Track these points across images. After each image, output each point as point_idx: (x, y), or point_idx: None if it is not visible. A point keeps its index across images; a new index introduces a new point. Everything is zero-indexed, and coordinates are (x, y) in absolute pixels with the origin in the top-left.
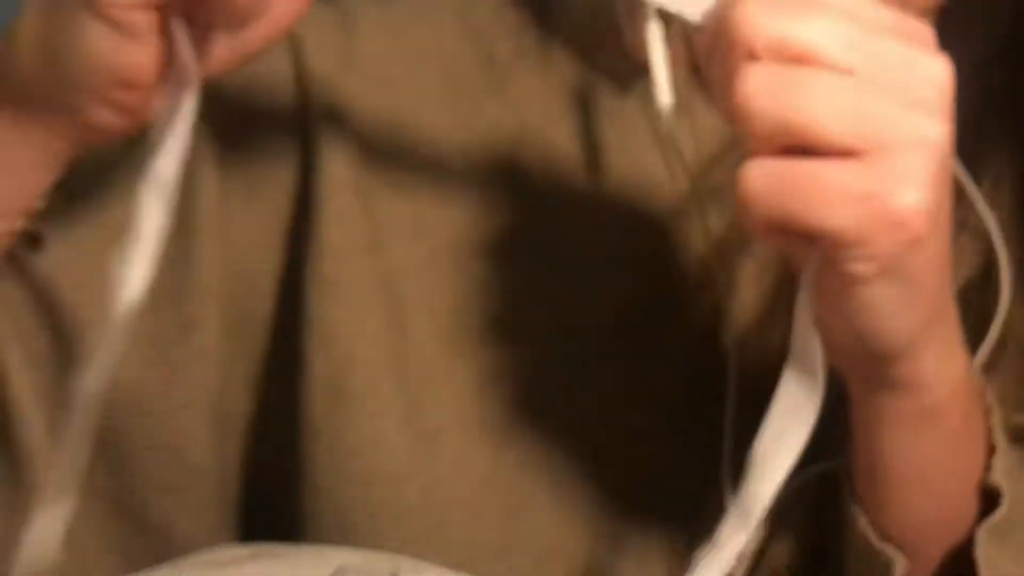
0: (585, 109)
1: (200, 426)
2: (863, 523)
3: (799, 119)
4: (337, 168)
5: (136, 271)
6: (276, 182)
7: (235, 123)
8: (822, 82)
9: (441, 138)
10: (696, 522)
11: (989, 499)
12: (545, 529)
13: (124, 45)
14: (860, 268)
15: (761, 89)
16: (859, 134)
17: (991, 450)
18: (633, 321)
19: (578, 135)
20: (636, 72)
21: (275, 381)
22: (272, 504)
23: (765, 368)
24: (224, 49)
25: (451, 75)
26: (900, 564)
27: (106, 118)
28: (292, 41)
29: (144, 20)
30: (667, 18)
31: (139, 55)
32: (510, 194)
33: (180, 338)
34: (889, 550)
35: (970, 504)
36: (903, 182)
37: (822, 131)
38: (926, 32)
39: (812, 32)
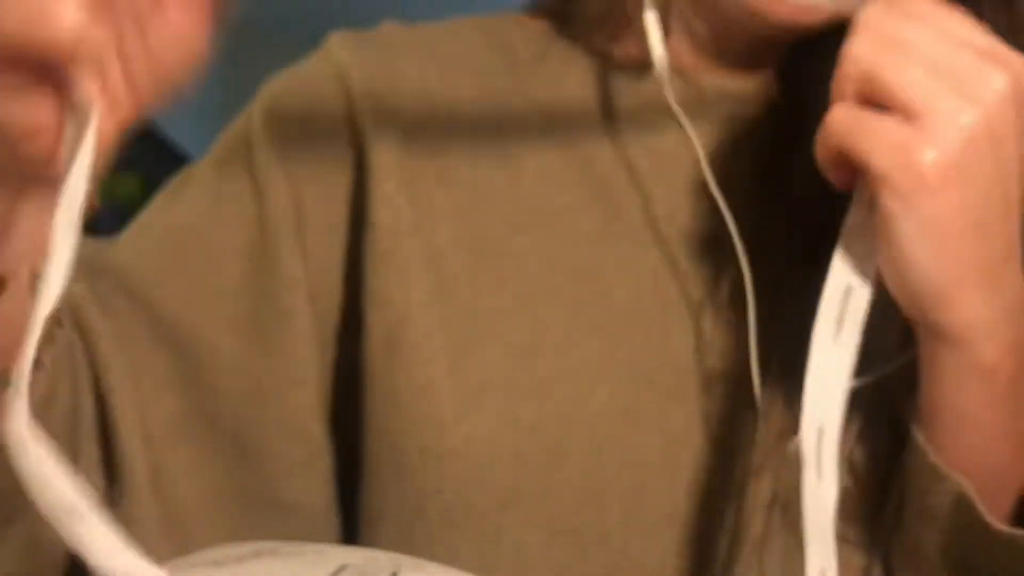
0: (606, 93)
1: (315, 401)
2: (923, 444)
3: (882, 75)
4: (384, 161)
5: (54, 279)
6: (336, 182)
7: (295, 138)
8: (905, 61)
9: (473, 134)
10: (725, 467)
11: None
12: (585, 475)
13: (7, 106)
14: (888, 203)
15: (864, 50)
16: (917, 101)
17: None
18: (660, 289)
19: (600, 116)
20: (648, 61)
21: (343, 347)
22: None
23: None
24: (145, 77)
25: (480, 81)
26: (970, 488)
27: (34, 166)
28: (339, 65)
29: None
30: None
31: (26, 108)
32: (542, 181)
33: (281, 326)
34: (957, 477)
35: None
36: (928, 142)
37: (894, 87)
38: (1006, 57)
39: (907, 32)
